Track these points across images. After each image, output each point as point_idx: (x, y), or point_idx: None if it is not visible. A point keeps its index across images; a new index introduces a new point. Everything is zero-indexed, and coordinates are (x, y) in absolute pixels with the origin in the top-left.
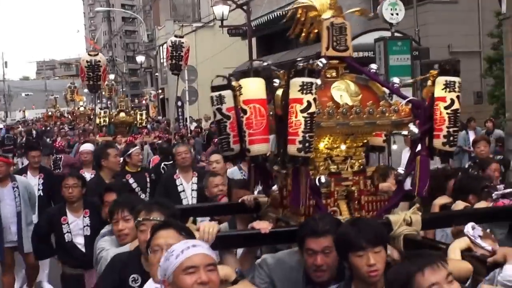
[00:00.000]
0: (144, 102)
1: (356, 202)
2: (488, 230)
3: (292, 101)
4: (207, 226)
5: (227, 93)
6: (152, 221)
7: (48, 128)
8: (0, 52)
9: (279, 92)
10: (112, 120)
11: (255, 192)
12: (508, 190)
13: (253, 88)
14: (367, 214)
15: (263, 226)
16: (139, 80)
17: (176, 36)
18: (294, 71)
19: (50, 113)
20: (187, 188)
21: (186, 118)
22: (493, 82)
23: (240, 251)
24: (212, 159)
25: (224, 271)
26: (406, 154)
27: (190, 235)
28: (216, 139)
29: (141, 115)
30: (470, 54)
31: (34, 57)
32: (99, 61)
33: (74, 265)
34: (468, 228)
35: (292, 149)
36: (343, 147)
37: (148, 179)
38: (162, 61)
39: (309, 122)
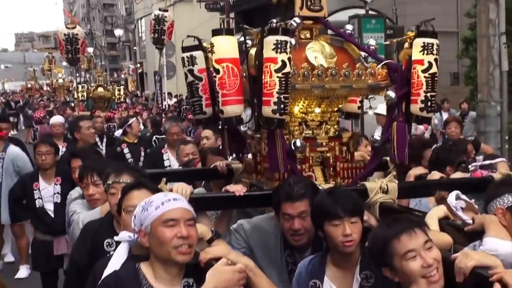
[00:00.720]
0: (123, 76)
1: (331, 168)
2: (472, 200)
3: (266, 60)
4: (180, 187)
5: (199, 54)
6: (122, 183)
7: (30, 101)
8: None
9: (253, 51)
10: (90, 95)
11: (229, 158)
12: (486, 162)
13: (226, 46)
14: (342, 181)
15: (237, 188)
16: (118, 54)
17: (160, 9)
18: (268, 29)
19: (29, 86)
20: (174, 165)
21: (165, 93)
22: (469, 63)
23: None
24: (202, 135)
25: (200, 229)
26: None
27: None
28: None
29: (119, 90)
30: (448, 34)
31: (12, 29)
32: (77, 34)
33: (44, 231)
34: (452, 197)
35: (266, 110)
36: (317, 110)
37: (142, 152)
38: (140, 35)
39: (284, 82)
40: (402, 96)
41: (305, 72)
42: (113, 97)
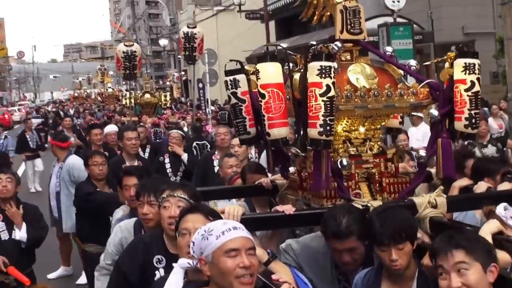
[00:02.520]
0: (168, 83)
1: (377, 184)
2: None
3: (311, 85)
4: (232, 209)
5: (241, 77)
6: (176, 197)
7: (79, 110)
8: (30, 36)
9: (297, 76)
10: (138, 101)
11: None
12: None
13: (271, 72)
14: (389, 196)
15: (287, 208)
16: (163, 62)
17: (188, 26)
18: (311, 55)
19: (76, 95)
20: None
21: (208, 100)
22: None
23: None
24: (234, 143)
25: (257, 251)
26: (413, 132)
27: (216, 218)
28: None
29: (165, 96)
30: (484, 35)
31: (61, 41)
32: (135, 51)
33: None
34: (500, 209)
35: (313, 132)
36: (361, 129)
37: (182, 163)
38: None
39: (329, 105)
40: (445, 114)
41: (348, 94)
42: (160, 103)
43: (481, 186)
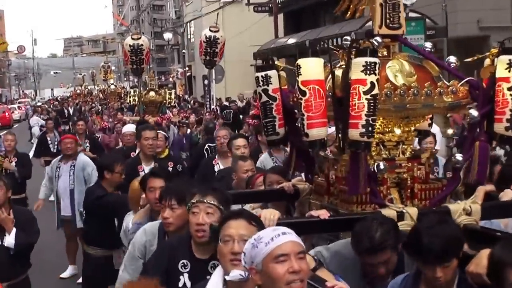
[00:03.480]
0: (171, 79)
1: (408, 190)
2: None
3: (355, 82)
4: (269, 213)
5: (273, 74)
6: (206, 204)
7: (82, 108)
8: (30, 29)
9: (339, 72)
10: (142, 99)
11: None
12: None
13: (312, 68)
14: (420, 203)
15: (322, 213)
16: (166, 56)
17: (211, 29)
18: (356, 50)
19: (78, 91)
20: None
21: (213, 96)
22: None
23: None
24: (239, 144)
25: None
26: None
27: (259, 224)
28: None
29: (170, 94)
30: (501, 29)
31: (61, 34)
32: (142, 45)
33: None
34: None
35: (354, 133)
36: (397, 131)
37: (170, 169)
38: (189, 37)
39: (372, 104)
40: (484, 114)
41: (388, 92)
42: (164, 101)
43: (508, 194)
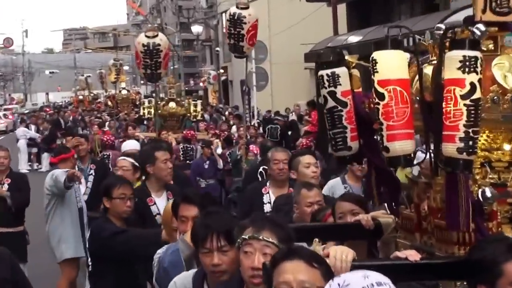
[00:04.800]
0: (201, 84)
1: None
2: None
3: (449, 82)
4: (340, 253)
5: (342, 72)
6: (262, 241)
7: (85, 118)
8: (20, 19)
9: (428, 70)
10: (159, 111)
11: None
12: None
13: (393, 64)
14: None
15: (411, 253)
16: (195, 54)
17: (238, 6)
18: (450, 41)
19: (81, 97)
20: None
21: (253, 108)
22: None
23: None
24: (309, 161)
25: None
26: None
27: (323, 265)
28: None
29: (195, 105)
30: None
31: (59, 24)
32: (159, 44)
33: None
34: None
35: (449, 148)
36: (507, 148)
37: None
38: (224, 31)
39: (473, 112)
40: None
41: (495, 97)
42: (188, 115)
43: None
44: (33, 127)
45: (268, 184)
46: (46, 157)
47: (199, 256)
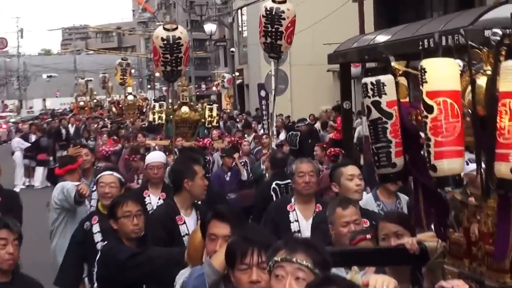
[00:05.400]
0: (214, 88)
1: None
2: None
3: (504, 95)
4: (381, 281)
5: (388, 80)
6: (295, 264)
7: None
8: (14, 17)
9: (482, 81)
10: (171, 116)
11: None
12: None
13: (443, 73)
14: None
15: (458, 284)
16: (207, 56)
17: (275, 0)
18: (507, 49)
19: (81, 103)
20: (304, 228)
21: (273, 115)
22: None
23: None
24: (353, 172)
25: None
26: None
27: None
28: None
29: (210, 110)
30: None
31: (58, 23)
32: (179, 38)
33: None
34: None
35: (502, 168)
36: None
37: None
38: (240, 30)
39: None
40: None
41: None
42: (203, 120)
43: None
44: (33, 137)
45: (292, 200)
46: (41, 171)
47: (235, 276)
